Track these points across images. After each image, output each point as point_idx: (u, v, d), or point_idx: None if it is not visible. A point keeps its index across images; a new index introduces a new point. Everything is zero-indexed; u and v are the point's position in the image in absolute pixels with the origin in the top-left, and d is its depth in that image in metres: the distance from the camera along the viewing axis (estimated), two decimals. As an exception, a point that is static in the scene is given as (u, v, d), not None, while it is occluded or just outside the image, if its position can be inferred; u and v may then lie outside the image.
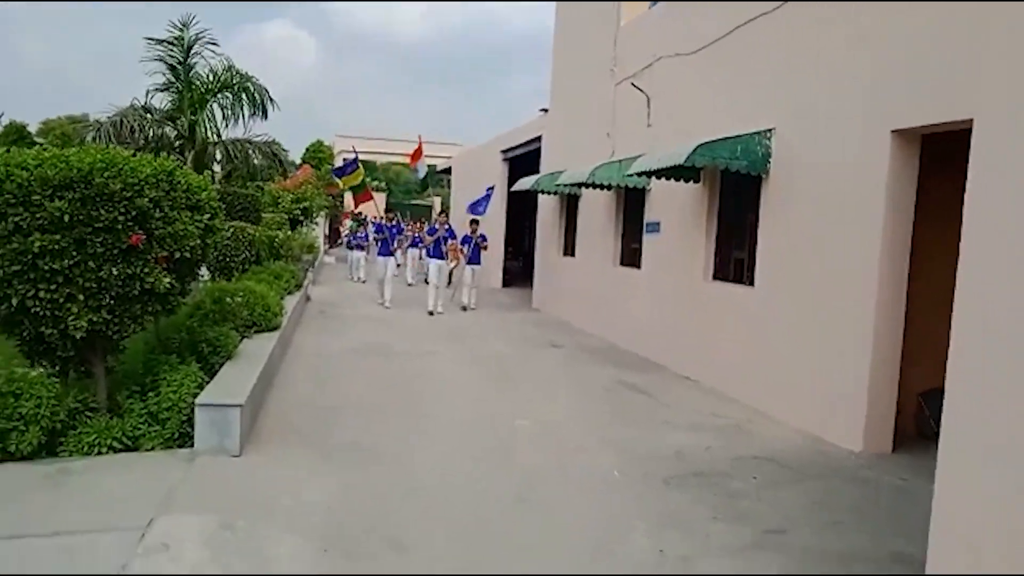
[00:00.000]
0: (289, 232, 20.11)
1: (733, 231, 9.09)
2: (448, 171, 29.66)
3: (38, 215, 5.13)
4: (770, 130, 7.98)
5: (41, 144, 30.07)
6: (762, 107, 8.18)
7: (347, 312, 14.65)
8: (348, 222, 26.01)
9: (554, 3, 15.96)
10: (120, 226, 5.33)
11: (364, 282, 20.93)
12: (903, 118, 6.14)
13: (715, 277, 9.35)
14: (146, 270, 5.54)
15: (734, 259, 9.03)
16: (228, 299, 8.33)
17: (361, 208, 31.37)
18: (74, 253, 5.24)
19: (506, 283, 21.47)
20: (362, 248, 22.50)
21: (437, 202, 47.00)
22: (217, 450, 5.54)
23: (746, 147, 7.98)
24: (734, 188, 8.96)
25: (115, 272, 5.39)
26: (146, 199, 5.42)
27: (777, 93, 7.96)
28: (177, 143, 14.93)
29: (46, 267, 5.18)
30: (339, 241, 38.84)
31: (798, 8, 7.59)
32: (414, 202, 50.95)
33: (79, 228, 5.23)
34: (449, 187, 31.96)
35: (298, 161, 38.84)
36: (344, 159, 44.91)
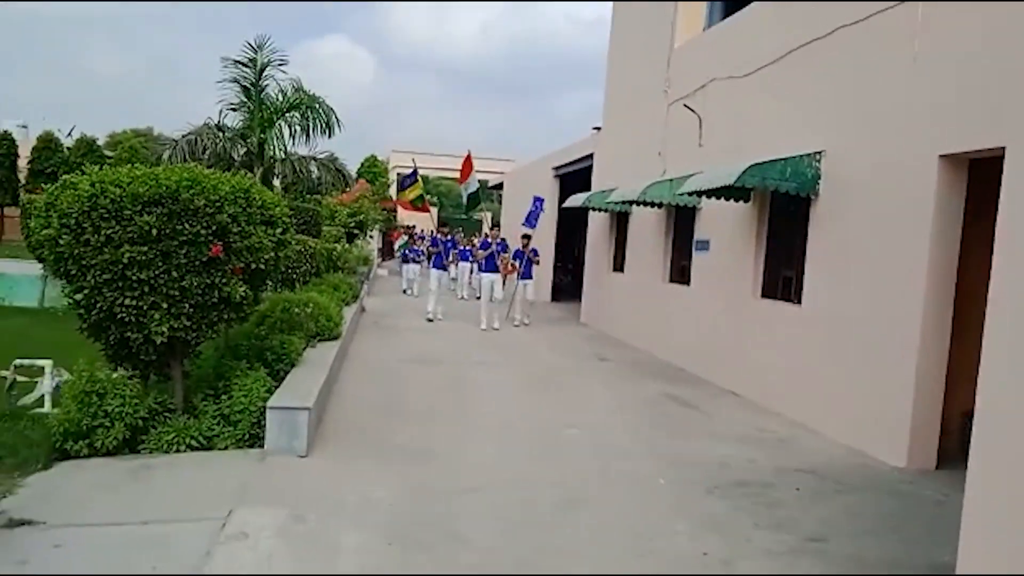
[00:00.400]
0: (346, 245, 20.69)
1: (782, 250, 9.23)
2: (500, 187, 30.05)
3: (128, 228, 5.56)
4: (820, 152, 8.11)
5: (110, 158, 31.20)
6: (812, 129, 8.33)
7: (401, 323, 15.06)
8: (403, 238, 26.44)
9: (608, 25, 16.23)
10: (202, 239, 5.74)
11: (417, 296, 20.93)
12: (950, 143, 6.27)
13: (763, 295, 9.49)
14: (223, 280, 5.94)
15: (782, 277, 9.16)
16: (296, 309, 8.75)
17: (415, 221, 31.88)
18: (160, 264, 5.66)
19: (555, 297, 21.73)
20: (417, 262, 22.67)
21: (487, 217, 47.41)
22: (286, 450, 5.90)
23: (796, 169, 8.13)
24: (784, 208, 9.11)
25: (195, 282, 5.80)
26: (226, 215, 5.83)
27: (827, 116, 8.11)
28: (246, 159, 15.50)
29: (134, 277, 5.60)
30: (394, 255, 39.51)
31: (849, 33, 7.73)
32: (465, 216, 51.42)
33: (165, 241, 5.65)
34: (500, 202, 32.29)
35: (353, 175, 39.61)
36: (399, 174, 45.56)
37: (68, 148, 40.10)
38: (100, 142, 44.99)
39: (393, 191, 47.76)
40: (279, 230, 6.50)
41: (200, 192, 5.76)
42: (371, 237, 29.81)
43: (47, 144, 39.54)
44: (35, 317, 13.31)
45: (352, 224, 27.29)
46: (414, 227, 33.28)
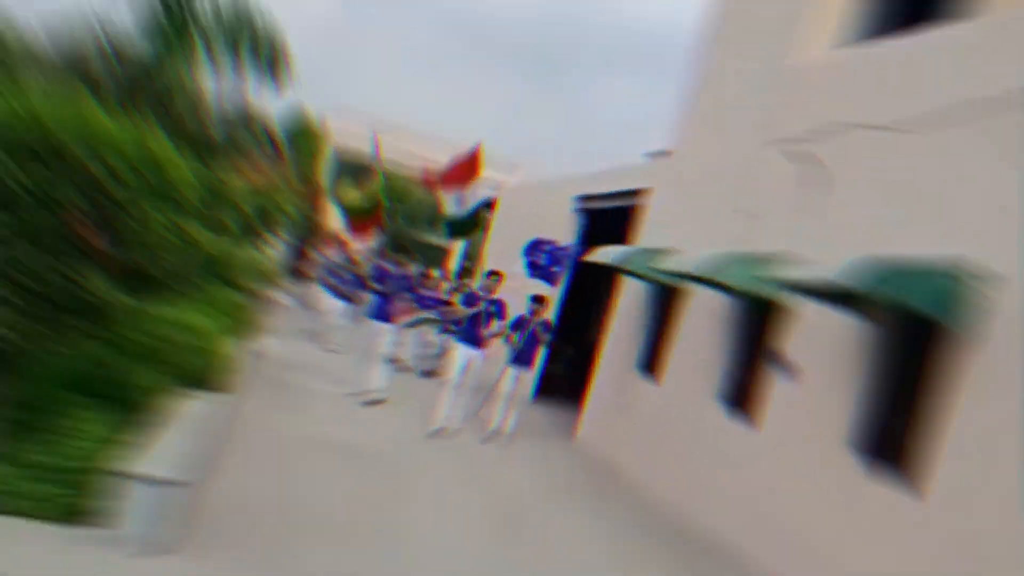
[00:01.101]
0: (241, 246, 20.69)
1: (903, 396, 9.35)
2: (488, 205, 29.75)
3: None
4: (990, 270, 8.16)
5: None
6: (991, 229, 8.40)
7: (316, 388, 15.27)
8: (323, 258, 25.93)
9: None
10: (73, 206, 5.97)
11: (340, 353, 20.16)
12: None
13: (871, 454, 9.53)
14: (88, 274, 6.17)
15: (902, 434, 9.21)
16: (168, 333, 8.95)
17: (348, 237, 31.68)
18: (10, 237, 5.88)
19: (542, 392, 21.07)
20: (349, 299, 21.93)
21: (455, 245, 47.36)
22: (146, 538, 6.16)
23: (954, 288, 8.09)
24: (911, 331, 9.30)
25: (52, 269, 6.02)
26: (120, 187, 6.08)
27: (1017, 210, 8.14)
28: (141, 93, 15.46)
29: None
30: (307, 273, 38.97)
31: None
32: (425, 238, 50.93)
33: (24, 203, 5.88)
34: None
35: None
36: (338, 147, 45.46)
37: None
38: None
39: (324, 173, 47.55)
40: (188, 218, 6.77)
41: (89, 142, 6.00)
42: (280, 240, 29.86)
43: None
44: None
45: (254, 214, 27.22)
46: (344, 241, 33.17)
